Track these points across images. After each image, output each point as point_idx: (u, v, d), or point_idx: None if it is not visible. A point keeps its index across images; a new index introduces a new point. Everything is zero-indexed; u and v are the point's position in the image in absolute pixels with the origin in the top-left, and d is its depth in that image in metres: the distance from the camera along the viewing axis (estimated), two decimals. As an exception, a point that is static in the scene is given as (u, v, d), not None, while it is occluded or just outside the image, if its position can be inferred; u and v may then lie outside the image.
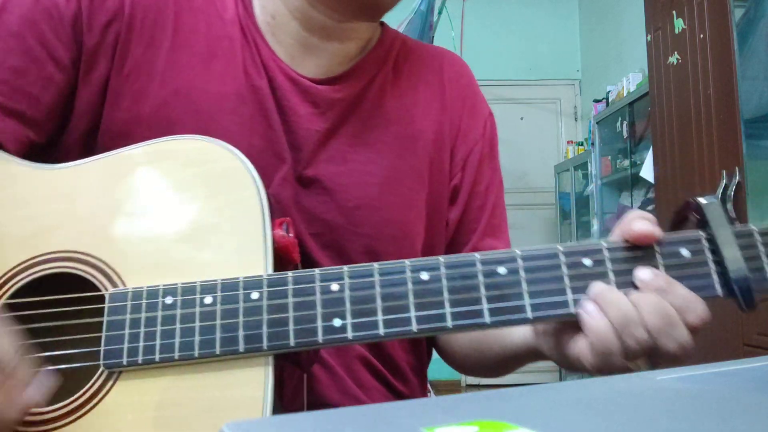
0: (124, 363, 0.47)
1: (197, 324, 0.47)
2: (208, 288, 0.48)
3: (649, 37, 2.74)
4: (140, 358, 0.47)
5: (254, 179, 0.51)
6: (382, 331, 0.47)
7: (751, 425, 0.24)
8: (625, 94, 3.49)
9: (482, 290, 0.47)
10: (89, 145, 0.61)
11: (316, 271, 0.48)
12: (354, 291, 0.47)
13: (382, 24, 0.73)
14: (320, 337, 0.47)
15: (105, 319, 0.48)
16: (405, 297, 0.47)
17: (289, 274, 0.48)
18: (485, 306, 0.47)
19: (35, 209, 0.52)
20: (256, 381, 0.46)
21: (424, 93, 0.71)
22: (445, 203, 0.71)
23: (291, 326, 0.47)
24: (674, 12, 2.50)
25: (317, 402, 0.60)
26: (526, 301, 0.47)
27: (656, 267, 0.48)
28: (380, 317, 0.47)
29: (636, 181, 3.32)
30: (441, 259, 0.49)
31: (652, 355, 0.46)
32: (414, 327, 0.47)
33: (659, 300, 0.45)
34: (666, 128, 2.60)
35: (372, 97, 0.68)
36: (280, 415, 0.30)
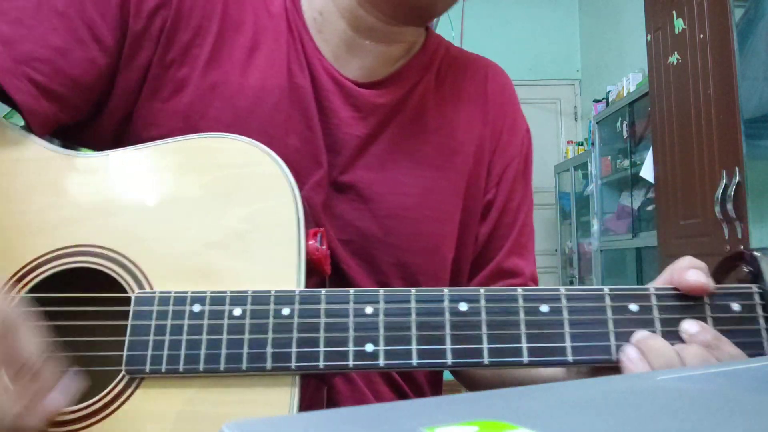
0: (147, 371, 0.45)
1: (224, 336, 0.45)
2: (238, 299, 0.46)
3: (649, 37, 2.74)
4: (164, 367, 0.45)
5: (292, 187, 0.50)
6: (415, 361, 0.45)
7: (751, 425, 0.24)
8: (625, 94, 3.49)
9: (522, 328, 0.46)
10: (121, 132, 0.59)
11: (351, 291, 0.47)
12: (389, 316, 0.46)
13: (427, 28, 0.71)
14: (351, 362, 0.45)
15: (129, 322, 0.46)
16: (441, 328, 0.45)
17: (323, 291, 0.46)
18: (524, 344, 0.45)
19: (63, 198, 0.50)
20: (282, 401, 0.45)
21: (466, 105, 0.69)
22: (477, 219, 0.69)
23: (321, 347, 0.45)
24: (674, 12, 2.50)
25: None
26: (568, 344, 0.45)
27: (704, 319, 0.46)
28: (414, 346, 0.45)
29: (636, 181, 3.32)
30: (482, 290, 0.47)
31: None
32: (449, 360, 0.45)
33: (705, 355, 0.44)
34: (666, 128, 2.60)
35: (413, 104, 0.66)
36: (280, 415, 0.30)
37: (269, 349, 0.45)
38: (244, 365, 0.45)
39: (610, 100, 3.77)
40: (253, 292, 0.46)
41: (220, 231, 0.49)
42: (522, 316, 0.46)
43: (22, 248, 0.49)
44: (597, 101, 4.02)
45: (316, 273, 0.50)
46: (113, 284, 0.48)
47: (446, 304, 0.46)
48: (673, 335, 0.45)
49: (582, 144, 4.34)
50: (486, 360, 0.45)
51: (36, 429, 0.41)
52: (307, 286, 0.48)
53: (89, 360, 0.48)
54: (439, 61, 0.70)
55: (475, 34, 3.84)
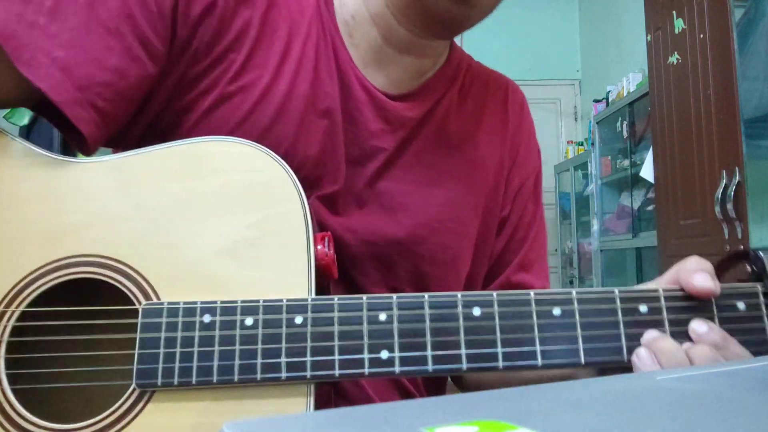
0: (159, 384, 0.44)
1: (237, 347, 0.45)
2: (249, 309, 0.45)
3: (649, 37, 2.74)
4: (176, 380, 0.44)
5: (299, 193, 0.49)
6: (430, 367, 0.45)
7: (751, 425, 0.24)
8: (625, 94, 3.49)
9: (536, 331, 0.46)
10: (144, 135, 0.58)
11: (364, 298, 0.46)
12: (403, 323, 0.46)
13: (452, 40, 0.70)
14: (366, 369, 0.45)
15: (138, 335, 0.45)
16: (456, 333, 0.46)
17: (336, 299, 0.46)
18: (538, 348, 0.46)
19: (64, 206, 0.48)
20: (298, 410, 0.45)
21: (489, 121, 0.70)
22: (494, 234, 0.70)
23: (336, 356, 0.45)
24: (674, 12, 2.50)
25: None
26: (580, 346, 0.46)
27: (712, 318, 0.47)
28: (429, 352, 0.45)
29: (636, 181, 3.32)
30: (494, 294, 0.47)
31: None
32: (464, 365, 0.45)
33: (714, 354, 0.45)
34: (666, 128, 2.60)
35: (438, 118, 0.66)
36: (281, 415, 0.30)
37: (283, 359, 0.45)
38: (258, 375, 0.44)
39: (610, 100, 3.77)
40: (265, 301, 0.46)
41: (228, 239, 0.48)
42: (535, 319, 0.46)
43: (20, 259, 0.47)
44: (597, 101, 4.03)
45: (323, 278, 0.49)
46: (116, 295, 0.47)
47: (460, 309, 0.46)
48: (682, 335, 0.46)
49: (582, 144, 4.34)
50: (501, 364, 0.45)
51: None
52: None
53: (96, 374, 0.47)
54: (463, 76, 0.70)
55: (475, 34, 3.85)
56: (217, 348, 0.45)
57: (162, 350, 0.45)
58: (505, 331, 0.46)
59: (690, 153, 2.40)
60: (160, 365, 0.44)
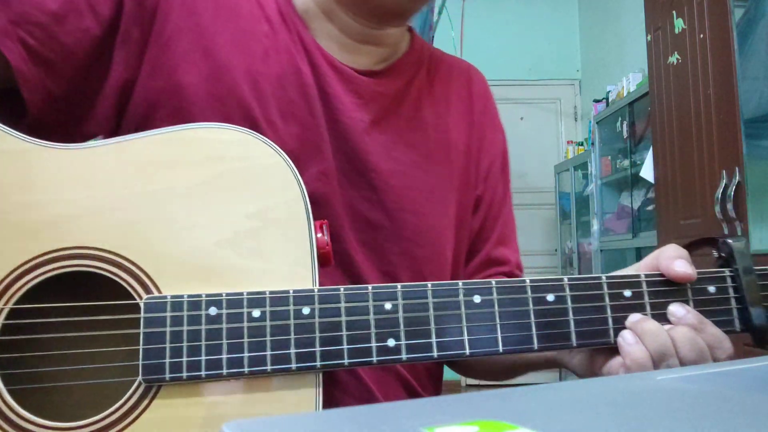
0: (167, 378, 0.44)
1: (246, 340, 0.45)
2: (256, 301, 0.45)
3: (649, 37, 2.74)
4: (185, 374, 0.44)
5: (297, 180, 0.49)
6: (436, 353, 0.47)
7: (751, 425, 0.24)
8: (625, 94, 3.49)
9: (532, 317, 0.49)
10: (120, 119, 0.59)
11: (369, 288, 0.48)
12: (408, 312, 0.47)
13: (411, 30, 0.74)
14: (374, 357, 0.46)
15: (141, 330, 0.44)
16: (458, 320, 0.48)
17: (342, 289, 0.47)
18: (534, 332, 0.49)
19: (49, 195, 0.46)
20: (309, 400, 0.45)
21: (456, 105, 0.73)
22: (470, 213, 0.73)
23: (345, 345, 0.46)
24: (674, 12, 2.50)
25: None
26: (572, 329, 0.49)
27: (687, 302, 0.51)
28: (434, 339, 0.47)
29: (636, 181, 3.32)
30: (493, 282, 0.49)
31: None
32: (467, 350, 0.48)
33: (694, 336, 0.49)
34: (666, 128, 2.60)
35: (411, 99, 0.68)
36: (280, 415, 0.30)
37: (293, 350, 0.45)
38: (268, 367, 0.45)
39: (610, 100, 3.77)
40: (271, 292, 0.46)
41: (229, 229, 0.47)
42: (531, 305, 0.49)
43: (10, 251, 0.45)
44: (597, 101, 4.02)
45: (322, 265, 0.50)
46: (112, 289, 0.45)
47: (461, 297, 0.49)
48: (661, 317, 0.50)
49: (582, 144, 4.34)
50: (501, 348, 0.48)
51: None
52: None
53: (94, 371, 0.46)
54: (427, 61, 0.73)
55: (475, 34, 3.85)
56: (225, 341, 0.45)
57: (168, 345, 0.44)
58: (504, 317, 0.49)
59: (690, 153, 2.40)
60: (167, 360, 0.44)
